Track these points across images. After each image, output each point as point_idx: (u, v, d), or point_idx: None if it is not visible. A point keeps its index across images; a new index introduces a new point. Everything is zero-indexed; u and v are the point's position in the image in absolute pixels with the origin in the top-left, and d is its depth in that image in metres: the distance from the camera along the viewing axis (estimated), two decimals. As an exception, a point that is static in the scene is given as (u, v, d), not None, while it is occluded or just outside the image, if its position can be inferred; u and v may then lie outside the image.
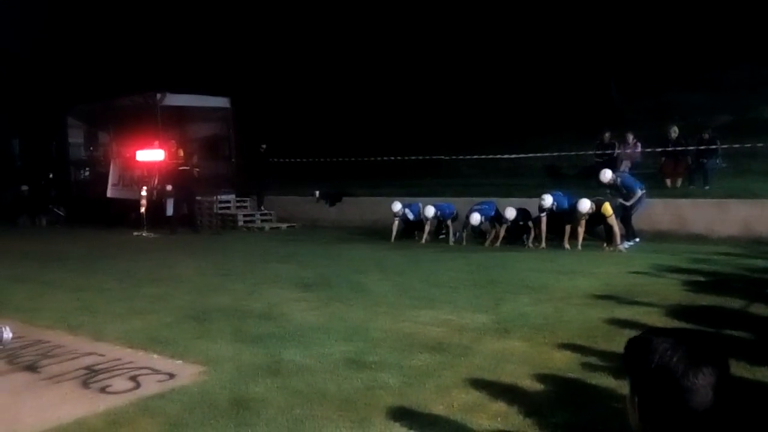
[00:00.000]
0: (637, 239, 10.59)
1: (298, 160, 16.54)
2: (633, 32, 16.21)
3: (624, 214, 10.63)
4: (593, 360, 4.59)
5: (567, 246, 10.45)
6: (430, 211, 11.85)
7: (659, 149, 13.19)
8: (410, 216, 12.40)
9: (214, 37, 21.88)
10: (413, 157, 15.11)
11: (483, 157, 14.72)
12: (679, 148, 12.92)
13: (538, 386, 4.16)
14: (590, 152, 14.00)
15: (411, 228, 12.56)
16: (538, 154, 14.32)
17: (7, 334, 4.30)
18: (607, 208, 10.10)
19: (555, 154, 14.26)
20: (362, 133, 17.57)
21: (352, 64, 19.82)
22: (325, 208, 15.97)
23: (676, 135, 13.07)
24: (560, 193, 11.04)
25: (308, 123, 19.45)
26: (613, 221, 10.14)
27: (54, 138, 19.40)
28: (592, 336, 5.22)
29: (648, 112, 15.35)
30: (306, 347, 5.16)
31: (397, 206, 12.33)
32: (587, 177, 13.33)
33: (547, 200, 10.70)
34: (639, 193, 10.74)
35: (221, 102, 17.31)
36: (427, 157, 15.20)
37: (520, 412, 3.72)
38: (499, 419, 3.64)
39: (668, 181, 13.03)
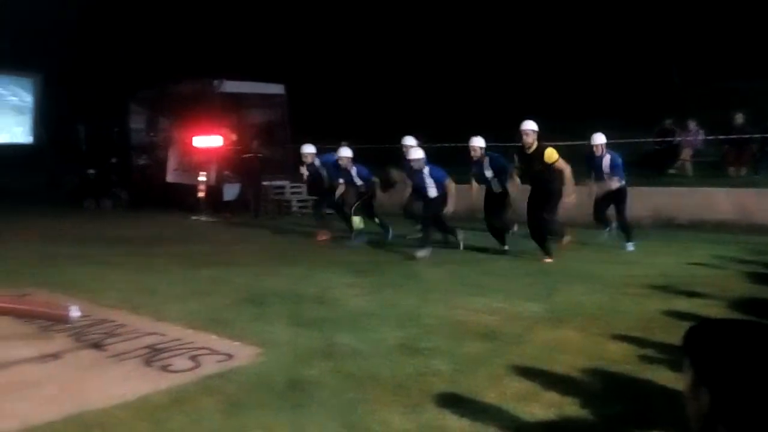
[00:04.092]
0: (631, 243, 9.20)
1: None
2: (695, 16, 15.66)
3: (619, 209, 9.24)
4: (649, 352, 4.52)
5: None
6: None
7: (722, 137, 12.74)
8: None
9: (271, 24, 22.14)
10: (462, 145, 14.98)
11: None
12: (744, 136, 12.46)
13: (593, 377, 4.13)
14: (650, 139, 13.63)
15: None
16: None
17: (77, 313, 4.51)
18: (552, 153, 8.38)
19: (613, 141, 13.92)
20: (412, 119, 17.52)
21: (404, 49, 19.75)
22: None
23: (742, 122, 12.60)
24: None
25: (358, 108, 19.51)
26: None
27: (117, 123, 20.00)
28: (648, 327, 5.13)
29: (711, 98, 14.82)
30: (359, 332, 5.24)
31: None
32: (646, 165, 13.01)
33: None
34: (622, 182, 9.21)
35: (276, 89, 17.54)
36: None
37: (574, 403, 3.70)
38: (552, 409, 3.63)
39: (731, 170, 12.60)
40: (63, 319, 4.81)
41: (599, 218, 9.60)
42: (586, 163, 9.34)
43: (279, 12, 22.34)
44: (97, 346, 4.84)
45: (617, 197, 9.22)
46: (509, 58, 18.04)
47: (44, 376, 4.24)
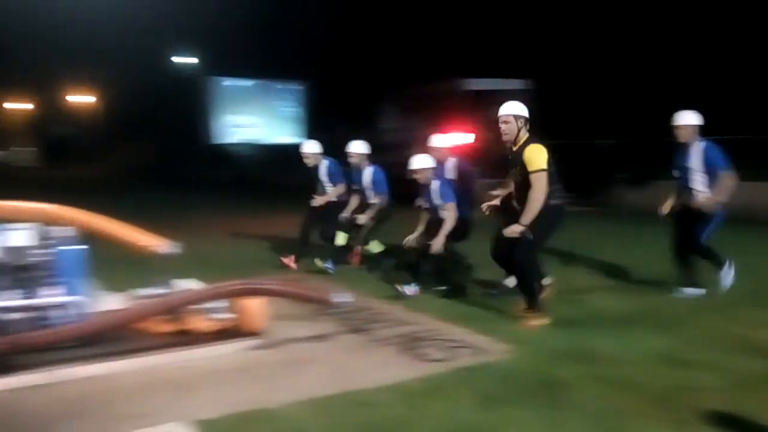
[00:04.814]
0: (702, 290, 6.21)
1: (597, 141, 15.91)
2: None
3: (697, 237, 6.13)
4: None
5: None
6: None
7: None
8: None
9: (516, 21, 22.10)
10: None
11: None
12: None
13: None
14: None
15: None
16: None
17: (348, 299, 4.94)
18: None
19: None
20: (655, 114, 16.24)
21: (660, 38, 18.35)
22: (624, 192, 15.15)
23: None
24: None
25: (611, 103, 18.58)
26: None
27: (372, 123, 21.43)
28: None
29: None
30: (613, 336, 5.00)
31: None
32: None
33: None
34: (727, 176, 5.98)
35: (520, 84, 17.47)
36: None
37: None
38: None
39: None
40: (329, 304, 5.26)
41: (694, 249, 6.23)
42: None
43: (528, 9, 22.18)
44: (359, 330, 5.23)
45: (701, 211, 6.05)
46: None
47: (315, 354, 4.68)
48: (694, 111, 6.19)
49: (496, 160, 15.77)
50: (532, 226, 5.13)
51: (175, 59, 34.26)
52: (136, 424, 3.50)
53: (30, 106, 52.79)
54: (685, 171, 6.17)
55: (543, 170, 5.10)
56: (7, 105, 52.77)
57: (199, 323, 4.93)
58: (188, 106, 32.43)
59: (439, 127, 16.75)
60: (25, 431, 3.47)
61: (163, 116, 33.53)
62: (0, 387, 3.99)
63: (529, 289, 5.37)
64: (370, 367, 4.41)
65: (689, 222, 6.11)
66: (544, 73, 18.70)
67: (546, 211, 5.11)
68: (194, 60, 33.83)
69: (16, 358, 4.20)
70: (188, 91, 32.46)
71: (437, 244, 6.36)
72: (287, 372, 4.32)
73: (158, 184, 24.92)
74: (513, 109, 5.31)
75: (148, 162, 31.96)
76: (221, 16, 28.20)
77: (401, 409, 3.71)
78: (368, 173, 7.79)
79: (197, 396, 3.92)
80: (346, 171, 8.16)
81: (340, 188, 7.97)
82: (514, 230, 5.15)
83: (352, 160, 7.85)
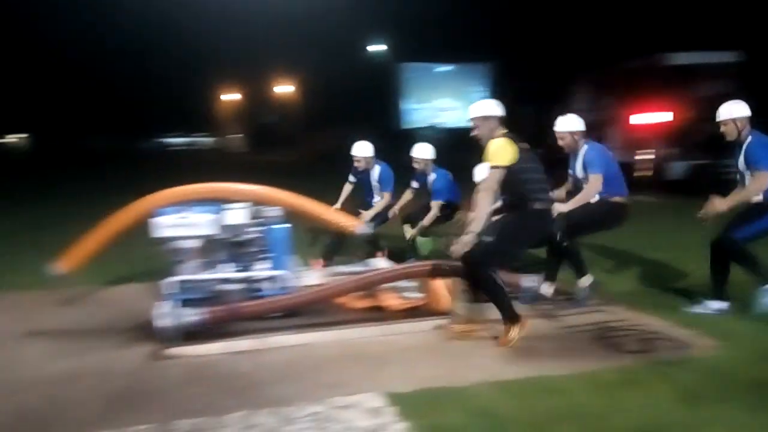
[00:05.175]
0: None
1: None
2: None
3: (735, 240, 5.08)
4: None
5: None
6: None
7: None
8: None
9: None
10: None
11: None
12: None
13: None
14: None
15: None
16: None
17: (537, 284, 4.86)
18: None
19: None
20: None
21: None
22: None
23: None
24: None
25: None
26: None
27: (563, 105, 20.71)
28: None
29: None
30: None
31: None
32: None
33: None
34: None
35: (729, 57, 15.90)
36: None
37: None
38: None
39: None
40: (518, 288, 5.21)
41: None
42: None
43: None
44: (549, 316, 5.12)
45: (748, 214, 5.10)
46: None
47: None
48: (740, 102, 5.20)
49: (699, 140, 14.64)
50: (504, 231, 4.46)
51: (369, 48, 35.72)
52: (335, 392, 3.75)
53: (239, 96, 58.11)
54: (737, 173, 5.26)
55: (497, 167, 4.46)
56: (222, 97, 58.73)
57: (392, 301, 5.14)
58: (380, 92, 33.65)
59: (636, 106, 15.84)
60: (238, 391, 3.86)
61: (356, 103, 35.10)
62: (218, 351, 4.48)
63: (496, 300, 4.52)
64: (561, 354, 4.31)
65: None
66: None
67: (524, 215, 4.52)
68: (383, 47, 35.03)
69: (232, 325, 4.68)
70: (380, 78, 33.67)
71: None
72: (476, 352, 4.37)
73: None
74: (480, 111, 4.74)
75: (343, 147, 33.73)
76: (408, 2, 28.89)
77: (594, 399, 3.59)
78: (432, 179, 7.29)
79: (390, 370, 4.10)
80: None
81: (388, 197, 7.34)
82: (463, 243, 4.38)
83: (417, 166, 7.34)
